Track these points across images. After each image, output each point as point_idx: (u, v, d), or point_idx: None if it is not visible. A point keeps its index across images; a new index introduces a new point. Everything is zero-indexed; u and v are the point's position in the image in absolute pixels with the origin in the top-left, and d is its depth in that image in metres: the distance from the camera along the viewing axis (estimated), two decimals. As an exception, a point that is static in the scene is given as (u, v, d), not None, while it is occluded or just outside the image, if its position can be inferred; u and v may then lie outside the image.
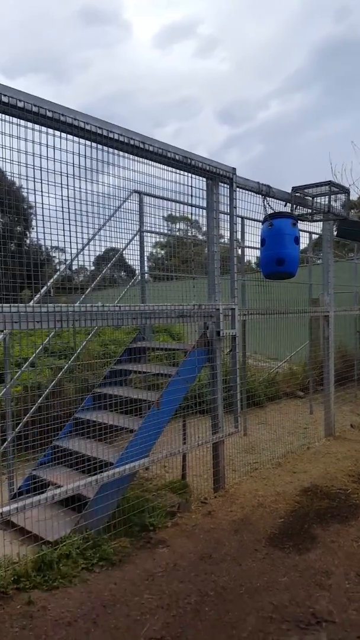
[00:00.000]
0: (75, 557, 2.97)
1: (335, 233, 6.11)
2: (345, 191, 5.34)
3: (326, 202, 5.20)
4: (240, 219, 5.40)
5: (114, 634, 2.44)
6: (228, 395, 4.37)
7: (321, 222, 6.00)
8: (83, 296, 4.32)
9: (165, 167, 3.82)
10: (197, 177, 4.09)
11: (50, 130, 3.01)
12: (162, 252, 7.06)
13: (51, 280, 3.87)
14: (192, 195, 4.05)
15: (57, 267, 4.55)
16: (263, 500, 4.04)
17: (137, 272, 5.12)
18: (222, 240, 4.61)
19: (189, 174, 4.00)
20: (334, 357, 6.35)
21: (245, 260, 7.44)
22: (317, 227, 6.47)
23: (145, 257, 5.13)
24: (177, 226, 6.52)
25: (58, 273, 4.01)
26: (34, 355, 4.19)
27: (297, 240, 4.73)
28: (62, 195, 3.10)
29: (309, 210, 5.36)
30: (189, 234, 6.70)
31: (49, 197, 3.03)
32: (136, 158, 3.59)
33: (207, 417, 4.33)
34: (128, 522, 3.46)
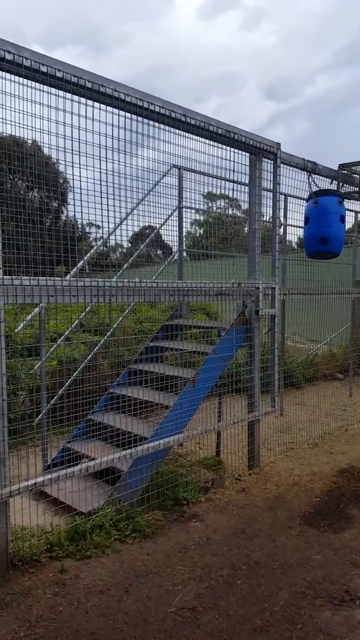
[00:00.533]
0: (108, 528, 3.04)
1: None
2: (395, 168, 5.06)
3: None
4: (283, 196, 5.24)
5: (146, 602, 2.49)
6: (265, 375, 4.31)
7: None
8: (120, 272, 4.34)
9: (207, 141, 3.73)
10: (239, 152, 3.98)
11: (90, 102, 2.97)
12: (201, 230, 6.98)
13: (87, 255, 3.90)
14: (234, 171, 3.94)
15: (93, 244, 4.57)
16: (298, 480, 4.00)
17: (174, 249, 5.08)
18: (264, 218, 4.50)
19: (232, 149, 3.89)
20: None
21: (289, 239, 7.24)
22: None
23: (184, 235, 5.07)
24: (217, 204, 6.41)
25: (94, 249, 4.02)
26: (69, 329, 4.24)
27: (342, 219, 4.54)
28: (99, 169, 3.08)
29: (357, 189, 5.14)
30: (229, 212, 6.58)
31: (86, 169, 3.01)
32: (177, 131, 3.52)
33: (244, 396, 4.29)
34: (161, 495, 3.51)
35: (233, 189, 4.20)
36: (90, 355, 4.27)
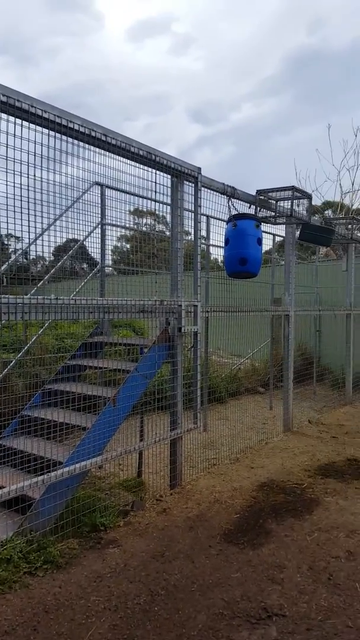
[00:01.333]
0: (17, 561, 2.84)
1: (297, 236, 6.19)
2: (308, 197, 5.43)
3: (289, 206, 5.27)
4: (206, 217, 5.39)
5: None
6: (188, 392, 4.33)
7: (284, 225, 6.06)
8: (35, 287, 4.18)
9: (130, 161, 3.74)
10: (161, 174, 4.03)
11: (4, 116, 2.87)
12: (128, 245, 6.96)
13: (2, 266, 3.71)
14: (156, 192, 4.00)
15: (11, 256, 4.38)
16: (220, 496, 4.02)
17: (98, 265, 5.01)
18: (188, 238, 4.58)
19: (154, 170, 3.93)
20: (294, 355, 6.43)
21: (212, 258, 7.44)
22: (281, 230, 6.54)
23: (110, 250, 5.03)
24: (144, 221, 6.45)
25: (10, 261, 3.85)
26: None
27: (259, 241, 4.80)
28: (17, 183, 2.97)
29: (272, 213, 5.42)
30: (156, 229, 6.64)
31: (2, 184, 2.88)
32: (99, 150, 3.49)
33: (166, 413, 4.28)
34: (77, 522, 3.36)
35: (156, 209, 4.25)
36: (1, 375, 4.04)
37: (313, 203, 5.82)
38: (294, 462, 4.91)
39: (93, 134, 3.30)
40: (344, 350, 8.05)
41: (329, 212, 15.46)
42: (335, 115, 49.50)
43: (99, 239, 4.85)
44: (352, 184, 14.70)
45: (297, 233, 6.06)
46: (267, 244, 7.33)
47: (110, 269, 5.28)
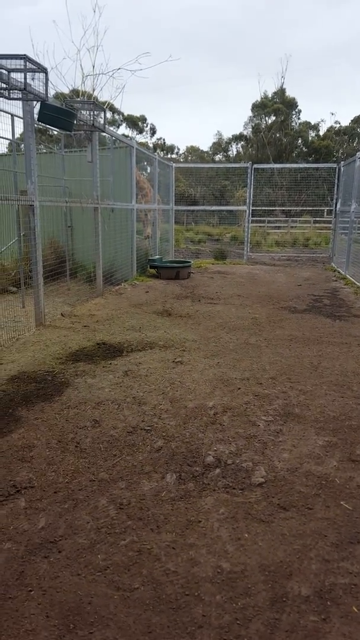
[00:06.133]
0: None
1: (36, 117, 5.66)
2: (43, 70, 4.90)
3: (22, 79, 4.68)
4: None
5: None
6: None
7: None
8: None
9: None
10: None
11: None
12: None
13: None
14: None
15: None
16: (-35, 397, 3.81)
17: None
18: None
19: None
20: (46, 252, 6.24)
21: None
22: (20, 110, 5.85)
23: None
24: None
25: None
26: None
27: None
28: None
29: (4, 85, 4.74)
30: None
31: None
32: None
33: None
34: None
35: None
36: None
37: (60, 90, 5.37)
38: (46, 352, 4.98)
39: None
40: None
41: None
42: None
43: None
44: (93, 67, 14.14)
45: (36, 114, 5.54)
46: (6, 128, 6.58)
47: None
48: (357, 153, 10.81)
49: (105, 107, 7.80)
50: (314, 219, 23.81)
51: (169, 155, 50.42)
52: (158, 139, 50.99)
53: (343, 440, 3.20)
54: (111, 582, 1.98)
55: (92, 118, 6.42)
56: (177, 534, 2.25)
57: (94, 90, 14.12)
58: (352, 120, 44.44)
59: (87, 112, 6.48)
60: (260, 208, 18.36)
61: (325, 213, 19.80)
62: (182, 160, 48.09)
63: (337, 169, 13.93)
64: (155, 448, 3.04)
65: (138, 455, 2.99)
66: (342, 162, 13.59)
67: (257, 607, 1.86)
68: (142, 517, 2.39)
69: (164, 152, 50.64)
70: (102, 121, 6.74)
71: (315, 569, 2.06)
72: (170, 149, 52.36)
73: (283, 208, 21.30)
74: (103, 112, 6.83)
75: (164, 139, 51.69)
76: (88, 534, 2.28)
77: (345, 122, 45.38)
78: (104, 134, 8.03)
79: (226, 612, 1.83)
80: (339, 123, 45.10)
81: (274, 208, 21.47)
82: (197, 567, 2.05)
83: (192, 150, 51.37)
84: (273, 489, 2.63)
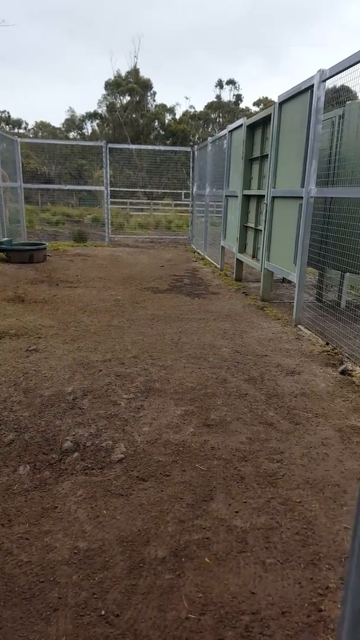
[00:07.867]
0: None
1: None
2: None
3: None
4: None
5: None
6: None
7: None
8: None
9: None
10: None
11: None
12: None
13: None
14: None
15: None
16: None
17: None
18: None
19: None
20: None
21: None
22: None
23: None
24: None
25: None
26: None
27: None
28: None
29: None
30: None
31: None
32: None
33: None
34: None
35: None
36: None
37: None
38: None
39: None
40: None
41: None
42: None
43: None
44: None
45: None
46: None
47: None
48: (209, 138, 11.36)
49: None
50: (175, 202, 24.55)
51: (15, 130, 47.34)
52: (1, 112, 47.52)
53: (199, 408, 3.39)
54: None
55: None
56: (31, 524, 2.16)
57: None
58: (205, 106, 46.59)
59: None
60: (120, 189, 18.28)
61: (183, 196, 20.57)
62: (31, 135, 45.44)
63: (191, 153, 14.46)
64: (5, 442, 2.88)
65: (-10, 450, 2.80)
66: (195, 146, 14.14)
67: (115, 578, 1.89)
68: (-6, 514, 2.25)
69: (10, 126, 47.41)
70: None
71: (171, 531, 2.16)
72: (17, 123, 49.22)
73: (144, 190, 21.54)
74: None
75: (8, 112, 48.35)
76: None
77: (200, 107, 47.42)
78: None
79: (83, 590, 1.82)
80: (194, 108, 46.95)
81: (135, 190, 21.59)
82: (53, 552, 2.00)
83: (43, 126, 48.90)
84: (132, 463, 2.69)
